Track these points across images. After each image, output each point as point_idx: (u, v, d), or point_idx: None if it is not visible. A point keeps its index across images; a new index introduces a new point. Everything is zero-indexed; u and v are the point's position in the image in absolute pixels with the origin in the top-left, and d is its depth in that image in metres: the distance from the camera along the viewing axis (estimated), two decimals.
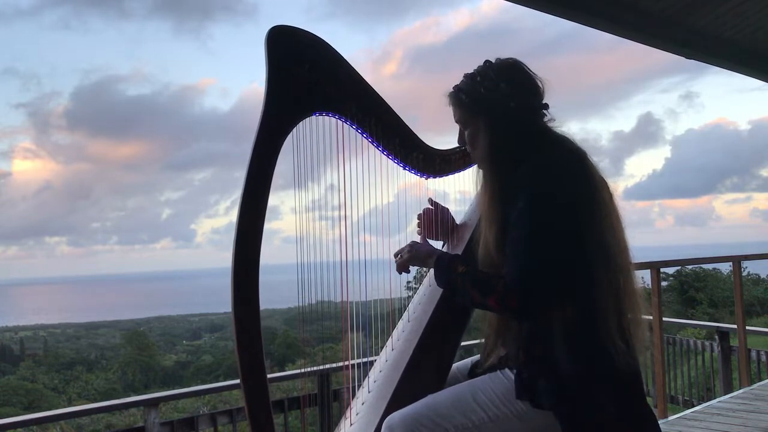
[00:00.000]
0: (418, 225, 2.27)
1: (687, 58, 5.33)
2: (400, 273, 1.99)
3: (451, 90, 1.93)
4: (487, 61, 1.89)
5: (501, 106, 1.83)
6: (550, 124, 1.88)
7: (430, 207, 2.27)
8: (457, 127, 1.98)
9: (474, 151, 1.93)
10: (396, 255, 1.98)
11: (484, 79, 1.86)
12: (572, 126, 1.93)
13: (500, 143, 1.84)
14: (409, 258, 1.93)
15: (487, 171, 1.90)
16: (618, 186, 1.87)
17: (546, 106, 1.88)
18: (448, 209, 2.30)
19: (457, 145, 2.06)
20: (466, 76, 1.91)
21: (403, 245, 2.01)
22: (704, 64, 5.62)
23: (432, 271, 1.93)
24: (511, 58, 1.89)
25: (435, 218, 2.26)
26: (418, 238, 2.20)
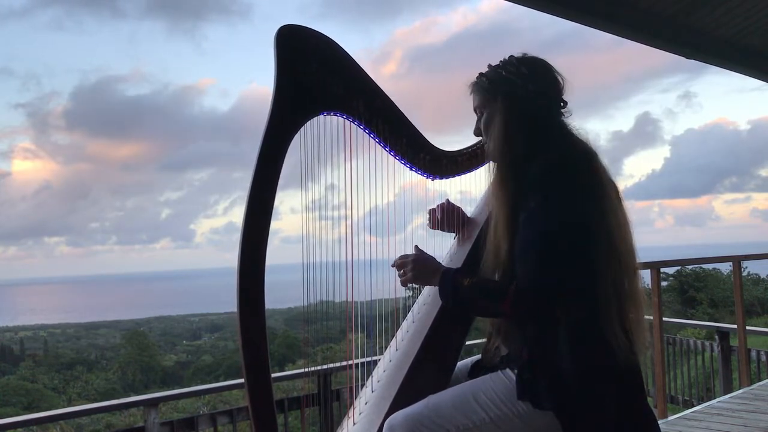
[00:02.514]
0: (430, 215, 2.28)
1: (687, 58, 5.33)
2: (405, 287, 1.99)
3: (475, 78, 1.95)
4: (512, 55, 1.91)
5: (520, 87, 1.83)
6: (566, 121, 1.89)
7: (443, 204, 2.28)
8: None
9: (487, 135, 1.92)
10: (399, 268, 1.95)
11: (506, 64, 1.89)
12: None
13: (516, 125, 1.84)
14: (413, 276, 1.91)
15: (499, 153, 1.88)
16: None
17: (564, 103, 1.89)
18: (461, 208, 2.30)
19: (464, 146, 2.07)
20: (490, 65, 1.93)
21: (404, 245, 2.01)
22: (704, 64, 5.63)
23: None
24: (536, 56, 1.91)
25: (447, 212, 2.26)
26: (419, 240, 2.20)
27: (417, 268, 1.91)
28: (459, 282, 1.80)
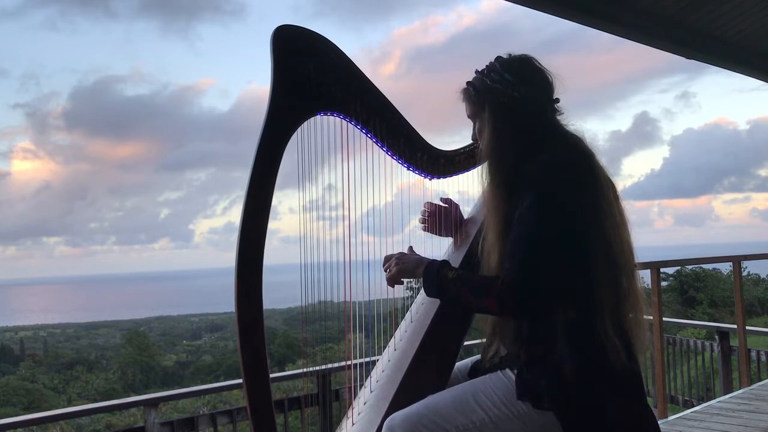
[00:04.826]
0: (422, 215, 2.26)
1: (687, 58, 5.34)
2: (392, 286, 1.96)
3: (464, 86, 1.94)
4: (498, 56, 1.90)
5: (504, 95, 1.82)
6: (560, 120, 1.87)
7: (438, 203, 2.26)
8: (465, 127, 2.01)
9: (481, 144, 1.91)
10: (385, 267, 1.94)
11: (491, 71, 1.87)
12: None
13: (503, 133, 1.82)
14: (397, 271, 1.90)
15: (490, 162, 1.87)
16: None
17: (556, 101, 1.88)
18: (458, 205, 2.29)
19: (461, 145, 2.07)
20: (477, 71, 1.92)
21: (402, 245, 2.01)
22: (703, 64, 5.63)
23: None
24: (523, 54, 1.90)
25: (441, 212, 2.25)
26: (417, 240, 2.20)
27: (400, 262, 1.90)
28: (443, 274, 1.78)
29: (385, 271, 1.94)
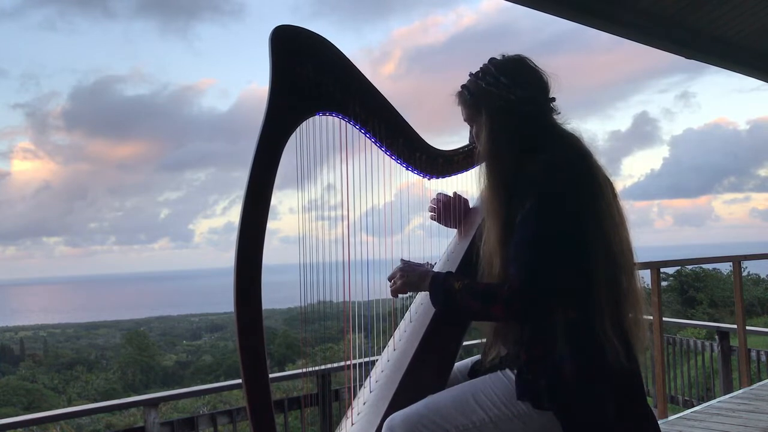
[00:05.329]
0: (432, 204, 2.26)
1: (687, 58, 5.34)
2: (396, 297, 1.97)
3: (459, 89, 1.93)
4: (491, 58, 1.89)
5: (500, 99, 1.82)
6: (557, 120, 1.87)
7: (449, 195, 2.26)
8: (464, 127, 2.00)
9: (478, 147, 1.91)
10: (390, 279, 1.95)
11: (486, 74, 1.86)
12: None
13: (500, 136, 1.82)
14: (402, 284, 1.90)
15: (488, 165, 1.87)
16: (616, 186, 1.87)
17: (552, 101, 1.87)
18: (467, 200, 2.29)
19: (460, 145, 2.07)
20: (471, 74, 1.91)
21: (401, 246, 2.01)
22: (703, 64, 5.63)
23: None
24: (516, 54, 1.89)
25: (451, 203, 2.25)
26: (416, 240, 2.19)
27: (405, 275, 1.90)
28: (450, 285, 1.78)
29: (389, 281, 1.94)
